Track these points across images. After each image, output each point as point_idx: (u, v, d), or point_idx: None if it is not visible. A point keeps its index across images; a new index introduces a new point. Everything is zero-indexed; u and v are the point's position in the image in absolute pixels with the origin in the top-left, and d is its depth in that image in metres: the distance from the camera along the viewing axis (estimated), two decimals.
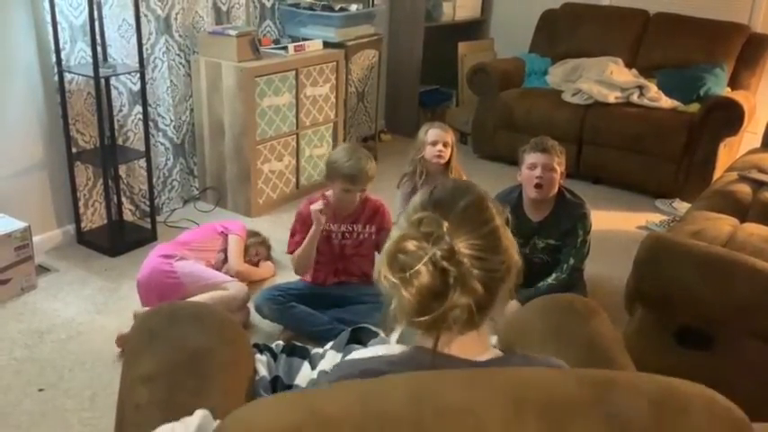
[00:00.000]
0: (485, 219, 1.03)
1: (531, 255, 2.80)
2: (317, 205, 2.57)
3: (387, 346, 1.10)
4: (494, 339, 1.67)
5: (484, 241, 0.99)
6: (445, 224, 0.98)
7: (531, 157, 2.76)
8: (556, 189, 2.77)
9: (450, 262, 0.95)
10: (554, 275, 2.77)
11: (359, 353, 1.78)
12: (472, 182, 1.13)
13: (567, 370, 1.07)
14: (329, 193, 2.65)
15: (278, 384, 1.75)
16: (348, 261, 2.75)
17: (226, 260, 3.00)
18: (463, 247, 0.97)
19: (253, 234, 3.19)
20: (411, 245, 0.96)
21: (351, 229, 2.70)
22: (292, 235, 2.74)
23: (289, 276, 2.89)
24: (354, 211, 2.70)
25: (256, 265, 3.15)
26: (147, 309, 2.64)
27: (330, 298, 2.69)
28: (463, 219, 1.00)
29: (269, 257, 3.22)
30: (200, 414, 1.18)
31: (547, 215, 2.81)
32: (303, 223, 2.69)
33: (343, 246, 2.72)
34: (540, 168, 2.72)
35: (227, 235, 3.05)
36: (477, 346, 1.05)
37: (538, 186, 2.72)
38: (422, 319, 0.97)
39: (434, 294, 0.95)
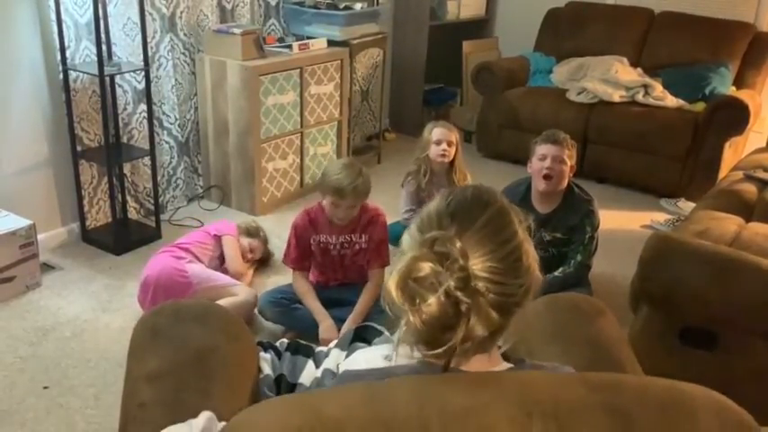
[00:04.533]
0: (506, 237, 0.94)
1: (538, 247, 2.79)
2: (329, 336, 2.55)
3: (390, 346, 1.08)
4: None
5: (503, 264, 0.92)
6: (460, 244, 0.90)
7: (541, 149, 2.75)
8: (565, 183, 2.76)
9: (465, 292, 0.88)
10: (561, 269, 2.78)
11: (362, 353, 1.77)
12: (493, 189, 1.03)
13: (573, 374, 1.04)
14: (325, 202, 2.61)
15: (282, 383, 1.75)
16: (348, 270, 2.74)
17: (222, 263, 3.00)
18: (479, 269, 0.90)
19: (246, 231, 3.17)
20: (424, 269, 0.89)
21: (349, 239, 2.66)
22: (289, 245, 2.71)
23: (290, 278, 2.89)
24: (351, 222, 2.65)
25: (255, 261, 3.16)
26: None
27: (333, 298, 2.68)
28: (482, 237, 0.92)
29: (266, 252, 3.22)
30: (204, 416, 1.18)
31: (554, 208, 2.81)
32: (298, 236, 2.67)
33: (342, 256, 2.70)
34: (549, 159, 2.71)
35: (220, 237, 3.04)
36: (487, 363, 0.98)
37: (547, 177, 2.71)
38: (431, 352, 0.90)
39: (444, 326, 0.88)
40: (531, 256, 0.97)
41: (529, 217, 1.01)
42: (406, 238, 0.99)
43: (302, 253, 2.68)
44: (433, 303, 0.87)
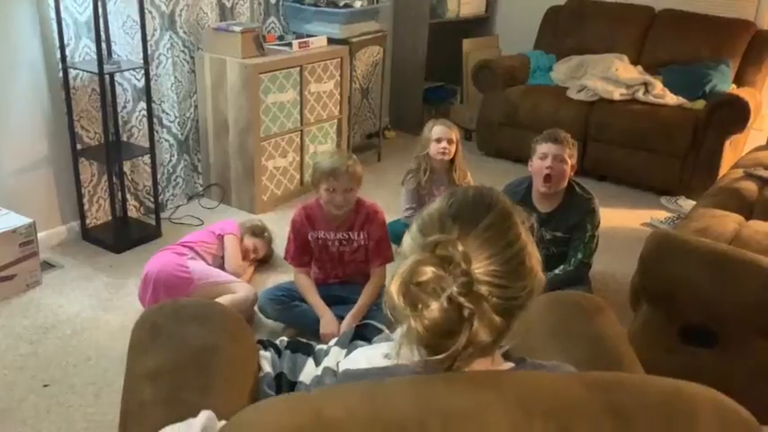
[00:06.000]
0: (509, 240, 0.93)
1: (539, 246, 2.78)
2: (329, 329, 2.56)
3: (390, 345, 1.08)
4: None
5: (507, 267, 0.90)
6: (462, 247, 0.88)
7: (542, 147, 2.74)
8: (566, 182, 2.76)
9: (468, 297, 0.87)
10: (561, 267, 2.77)
11: (362, 352, 1.77)
12: (495, 190, 1.01)
13: (573, 373, 1.04)
14: (321, 192, 2.59)
15: (282, 381, 1.74)
16: (347, 266, 2.74)
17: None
18: (482, 273, 0.89)
19: (251, 230, 3.17)
20: (427, 273, 0.87)
21: (347, 236, 2.66)
22: (288, 241, 2.72)
23: (290, 276, 2.89)
24: (349, 219, 2.65)
25: (257, 260, 3.15)
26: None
27: (334, 296, 2.68)
28: (485, 240, 0.91)
29: (269, 252, 3.22)
30: (204, 415, 1.18)
31: (555, 207, 2.80)
32: (296, 232, 2.68)
33: (342, 253, 2.70)
34: (550, 158, 2.70)
35: (223, 237, 3.03)
36: (489, 365, 0.97)
37: (547, 178, 2.70)
38: (434, 358, 0.89)
39: (447, 332, 0.87)
40: (534, 257, 0.96)
41: (531, 217, 1.00)
42: (407, 240, 0.97)
43: (300, 248, 2.69)
44: (435, 309, 0.86)
